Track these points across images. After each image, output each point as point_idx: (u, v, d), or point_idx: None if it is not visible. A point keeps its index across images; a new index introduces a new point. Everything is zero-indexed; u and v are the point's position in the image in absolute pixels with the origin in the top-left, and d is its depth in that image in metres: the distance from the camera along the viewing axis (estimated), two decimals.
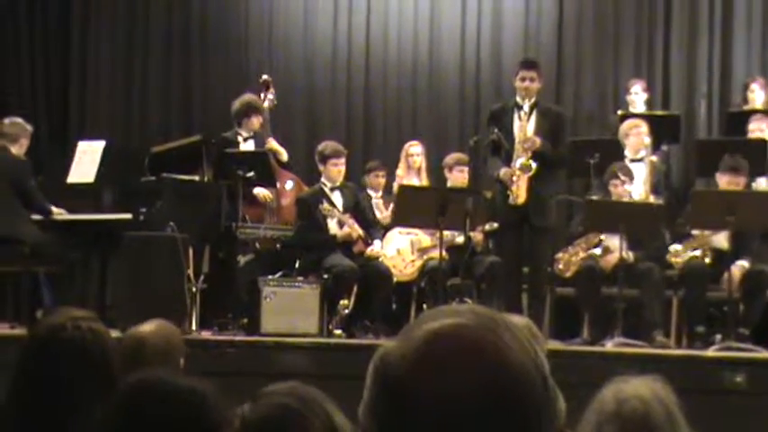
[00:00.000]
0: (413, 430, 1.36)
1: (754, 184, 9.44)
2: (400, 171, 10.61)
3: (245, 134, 10.26)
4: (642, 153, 9.57)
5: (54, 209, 9.46)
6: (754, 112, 10.30)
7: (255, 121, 10.28)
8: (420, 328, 1.40)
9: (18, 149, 9.53)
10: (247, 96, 10.46)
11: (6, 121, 9.69)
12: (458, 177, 9.87)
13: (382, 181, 10.42)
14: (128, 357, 3.70)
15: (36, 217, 9.40)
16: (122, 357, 3.79)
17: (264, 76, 10.75)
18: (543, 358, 1.41)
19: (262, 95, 10.51)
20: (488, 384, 1.35)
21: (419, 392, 1.35)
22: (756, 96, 10.65)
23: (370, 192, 10.36)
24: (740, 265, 8.75)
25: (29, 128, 9.72)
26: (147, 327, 4.10)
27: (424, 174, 10.56)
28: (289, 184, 10.37)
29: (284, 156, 10.46)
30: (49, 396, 2.84)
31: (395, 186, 10.21)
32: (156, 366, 3.51)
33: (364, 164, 11.00)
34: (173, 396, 2.38)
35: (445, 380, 1.35)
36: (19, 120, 9.76)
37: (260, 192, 10.06)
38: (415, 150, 10.62)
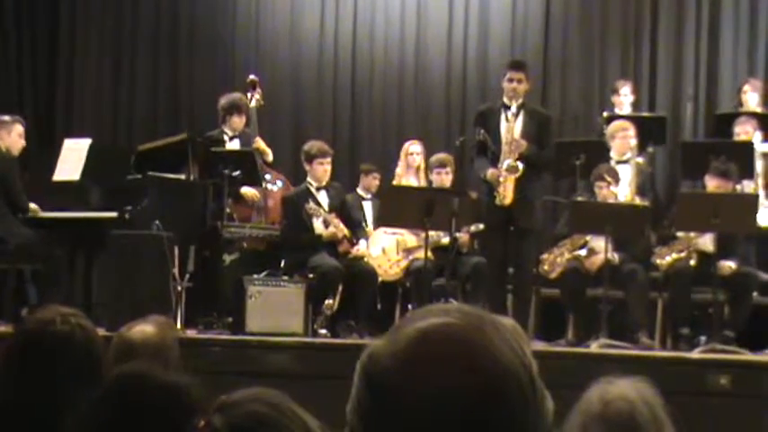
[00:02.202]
0: (400, 429, 1.36)
1: (739, 187, 9.44)
2: (399, 170, 10.58)
3: (229, 133, 10.24)
4: (628, 155, 9.57)
5: (32, 205, 9.45)
6: (740, 114, 10.28)
7: (237, 121, 10.25)
8: (408, 326, 1.40)
9: None
10: (234, 95, 10.43)
11: None
12: (437, 180, 9.88)
13: (377, 183, 10.39)
14: (122, 353, 3.68)
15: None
16: (116, 353, 3.78)
17: (251, 76, 10.72)
18: (531, 358, 1.41)
19: (249, 95, 10.49)
20: (476, 383, 1.35)
21: (407, 391, 1.35)
22: (749, 98, 10.62)
23: (361, 192, 10.31)
24: (727, 266, 8.77)
25: (6, 118, 9.70)
26: (144, 324, 4.05)
27: (422, 173, 10.53)
28: (275, 184, 10.36)
29: (269, 156, 10.44)
30: (37, 390, 2.83)
31: None
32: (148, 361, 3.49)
33: (351, 163, 10.98)
34: (155, 389, 2.37)
35: (433, 379, 1.35)
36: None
37: (247, 191, 10.05)
38: (414, 149, 10.59)
